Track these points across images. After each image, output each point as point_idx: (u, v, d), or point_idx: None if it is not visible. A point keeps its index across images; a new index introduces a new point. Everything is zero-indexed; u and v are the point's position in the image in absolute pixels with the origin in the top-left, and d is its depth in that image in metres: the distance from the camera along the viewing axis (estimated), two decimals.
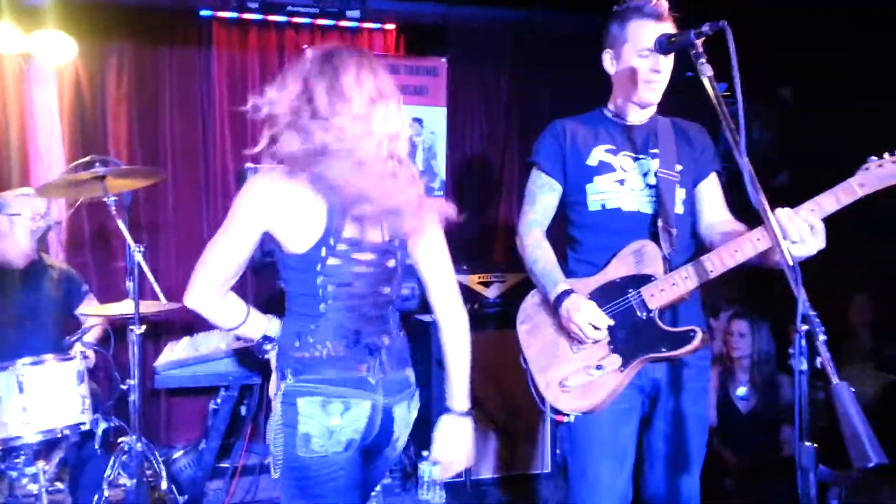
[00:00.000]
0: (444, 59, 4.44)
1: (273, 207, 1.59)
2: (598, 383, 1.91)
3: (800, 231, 1.63)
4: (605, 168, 2.01)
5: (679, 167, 2.00)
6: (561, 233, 2.17)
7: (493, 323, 3.60)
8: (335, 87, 1.56)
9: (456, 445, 1.80)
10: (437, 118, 4.47)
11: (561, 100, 4.63)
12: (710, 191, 2.07)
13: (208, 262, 1.66)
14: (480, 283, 3.65)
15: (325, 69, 1.58)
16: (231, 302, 1.72)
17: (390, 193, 1.59)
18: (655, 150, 2.01)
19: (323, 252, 1.61)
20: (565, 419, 1.95)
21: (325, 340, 1.64)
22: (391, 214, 1.62)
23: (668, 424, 2.01)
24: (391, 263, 1.73)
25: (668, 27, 1.89)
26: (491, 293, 3.65)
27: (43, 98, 3.92)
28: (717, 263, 1.82)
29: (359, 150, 1.55)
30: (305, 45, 4.21)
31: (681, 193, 2.00)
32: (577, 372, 1.93)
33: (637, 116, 2.05)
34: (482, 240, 4.68)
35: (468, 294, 3.61)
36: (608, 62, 2.04)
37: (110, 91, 4.00)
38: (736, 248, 1.80)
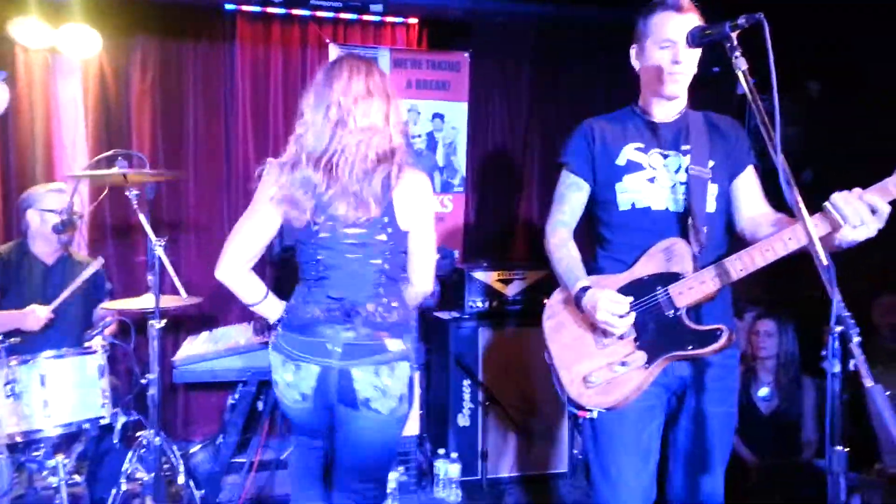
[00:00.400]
0: (466, 54, 4.41)
1: (279, 190, 1.94)
2: (623, 379, 1.91)
3: (859, 213, 1.62)
4: (634, 167, 1.99)
5: (711, 163, 1.96)
6: (589, 230, 2.16)
7: (513, 321, 3.57)
8: (319, 92, 1.95)
9: None
10: (458, 113, 4.44)
11: (583, 95, 4.59)
12: (748, 184, 2.03)
13: (235, 239, 2.02)
14: (500, 280, 3.61)
15: (321, 77, 1.97)
16: (254, 280, 2.11)
17: (354, 181, 1.89)
18: (686, 147, 1.97)
19: (314, 227, 1.95)
20: (587, 415, 1.95)
21: (314, 305, 1.98)
22: (356, 198, 1.89)
23: (694, 423, 1.99)
24: (381, 237, 1.95)
25: (692, 18, 1.85)
26: (511, 291, 3.62)
27: (68, 92, 3.95)
28: (748, 262, 1.80)
29: (333, 144, 1.91)
30: (328, 40, 4.21)
31: (713, 190, 1.96)
32: (601, 368, 1.93)
33: (665, 112, 2.02)
34: (502, 236, 4.65)
35: (488, 291, 3.58)
36: (634, 58, 2.03)
37: (135, 85, 4.02)
38: (767, 248, 1.77)
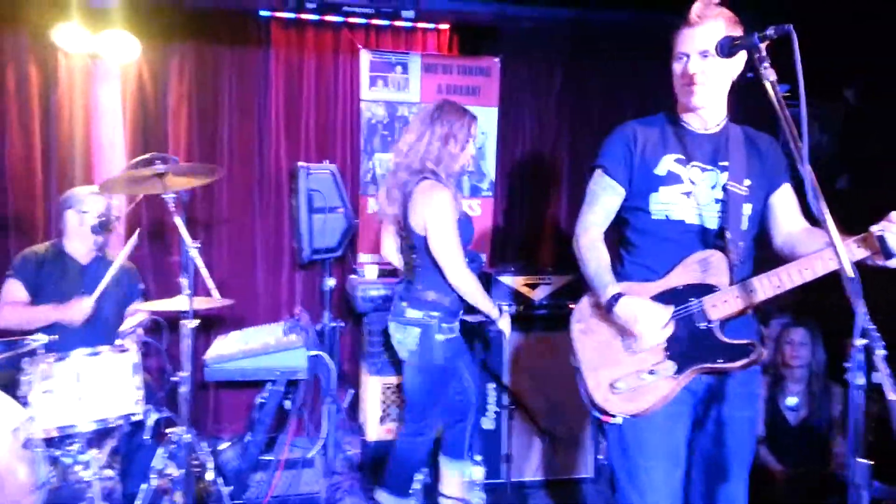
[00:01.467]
0: (496, 59, 4.42)
1: None
2: (650, 388, 1.91)
3: None
4: (672, 179, 1.98)
5: (748, 182, 1.95)
6: (615, 232, 2.14)
7: (540, 325, 3.56)
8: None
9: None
10: (488, 118, 4.44)
11: (614, 100, 4.58)
12: (785, 201, 2.02)
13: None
14: (527, 284, 3.61)
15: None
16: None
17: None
18: (725, 163, 1.96)
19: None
20: (611, 420, 1.95)
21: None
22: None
23: (719, 428, 1.98)
24: (410, 240, 2.76)
25: (707, 28, 1.84)
26: (537, 295, 3.62)
27: (108, 96, 4.05)
28: (786, 280, 1.79)
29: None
30: (360, 45, 4.26)
31: (747, 209, 1.96)
32: (629, 375, 1.93)
33: (700, 122, 2.01)
34: (530, 241, 4.65)
35: (515, 296, 3.59)
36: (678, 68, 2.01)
37: (172, 90, 4.11)
38: (806, 266, 1.76)
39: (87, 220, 3.18)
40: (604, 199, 2.07)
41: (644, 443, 1.96)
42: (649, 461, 1.96)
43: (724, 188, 1.94)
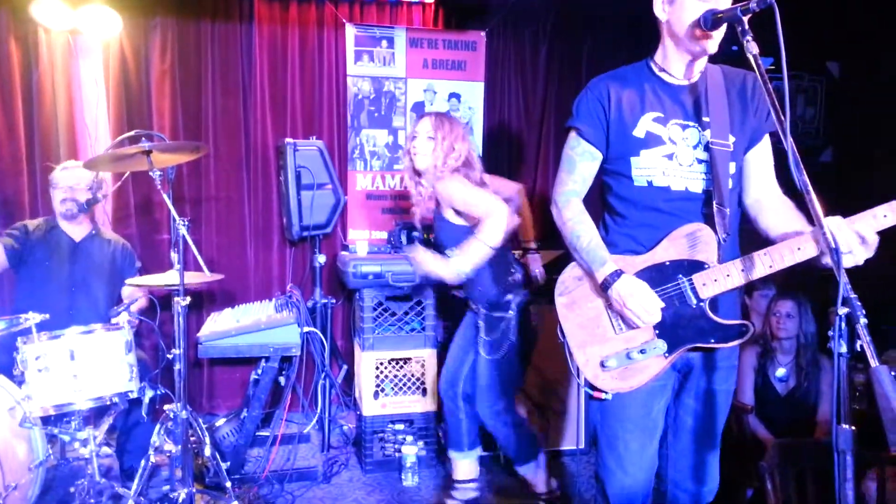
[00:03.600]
0: (482, 34, 4.41)
1: None
2: (640, 366, 1.90)
3: (848, 242, 1.59)
4: (653, 141, 1.89)
5: (732, 138, 1.88)
6: (599, 195, 2.08)
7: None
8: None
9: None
10: (474, 93, 4.45)
11: (600, 73, 4.57)
12: (761, 159, 1.95)
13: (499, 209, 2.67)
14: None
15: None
16: None
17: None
18: (707, 119, 1.87)
19: None
20: (603, 396, 1.93)
21: None
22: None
23: (697, 401, 2.02)
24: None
25: None
26: None
27: (89, 72, 4.00)
28: (778, 260, 1.76)
29: None
30: (345, 20, 4.22)
31: (731, 167, 1.89)
32: (618, 352, 1.91)
33: (688, 71, 1.89)
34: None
35: None
36: (659, 7, 1.87)
37: (154, 65, 4.05)
38: (799, 246, 1.73)
39: (56, 195, 3.18)
40: (581, 166, 2.00)
41: (624, 415, 1.98)
42: (627, 432, 1.98)
43: (707, 147, 1.87)
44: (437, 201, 2.87)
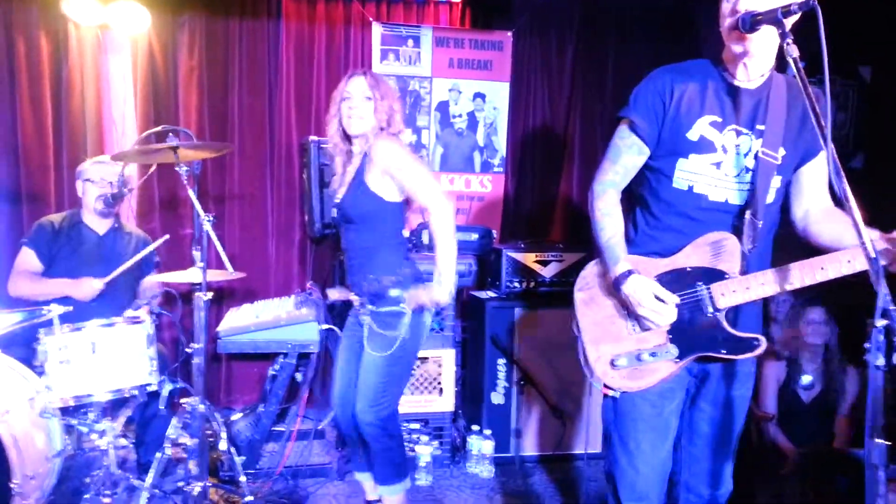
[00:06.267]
0: (509, 34, 4.38)
1: None
2: (650, 368, 1.90)
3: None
4: (705, 146, 1.84)
5: (782, 152, 1.82)
6: (633, 186, 2.02)
7: (549, 302, 3.57)
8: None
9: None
10: (499, 93, 4.43)
11: (626, 76, 4.52)
12: (816, 174, 1.90)
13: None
14: (537, 261, 3.62)
15: None
16: None
17: None
18: (761, 127, 1.82)
19: None
20: (610, 393, 1.95)
21: None
22: None
23: (714, 406, 2.00)
24: None
25: None
26: (548, 272, 3.62)
27: (118, 68, 4.04)
28: (799, 278, 1.73)
29: None
30: (372, 18, 4.21)
31: (776, 182, 1.85)
32: (629, 353, 1.92)
33: (748, 73, 1.83)
34: (541, 217, 4.64)
35: (525, 272, 3.59)
36: (724, 8, 1.78)
37: (182, 62, 4.08)
38: (822, 265, 1.70)
39: (89, 189, 3.20)
40: (626, 158, 1.95)
41: (636, 415, 1.96)
42: (639, 432, 1.96)
43: (756, 156, 1.82)
44: (361, 167, 2.49)
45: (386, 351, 2.48)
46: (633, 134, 1.93)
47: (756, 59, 1.80)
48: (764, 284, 1.79)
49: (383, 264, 2.50)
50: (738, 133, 1.85)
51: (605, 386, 1.95)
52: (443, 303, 2.45)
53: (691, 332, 1.87)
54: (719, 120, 1.85)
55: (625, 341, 1.94)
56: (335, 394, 2.70)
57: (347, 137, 2.55)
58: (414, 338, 2.53)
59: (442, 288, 2.39)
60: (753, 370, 2.04)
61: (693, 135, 1.85)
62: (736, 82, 1.86)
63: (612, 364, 1.93)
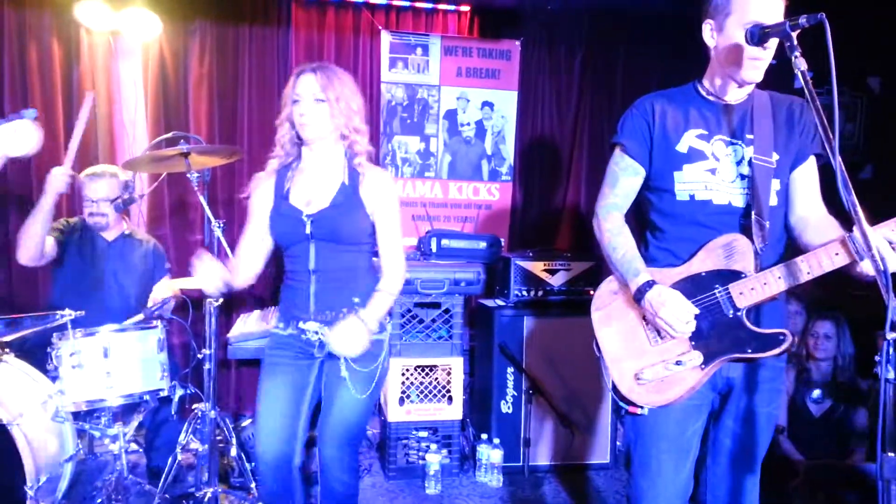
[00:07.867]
0: (517, 42, 4.40)
1: None
2: (676, 378, 1.87)
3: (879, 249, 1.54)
4: (695, 156, 1.89)
5: (776, 156, 1.87)
6: (639, 212, 2.09)
7: (557, 311, 3.58)
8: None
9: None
10: (507, 102, 4.45)
11: (635, 85, 4.54)
12: (807, 178, 1.93)
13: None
14: (545, 270, 3.62)
15: None
16: None
17: None
18: (751, 136, 1.87)
19: None
20: (639, 411, 1.91)
21: None
22: None
23: (738, 423, 1.97)
24: None
25: (779, 2, 1.76)
26: (556, 281, 3.63)
27: (129, 73, 4.07)
28: (815, 266, 1.73)
29: None
30: (381, 26, 4.24)
31: (776, 184, 1.87)
32: (654, 365, 1.89)
33: (734, 95, 1.91)
34: (549, 226, 4.65)
35: (533, 281, 3.61)
36: (708, 34, 1.88)
37: (193, 68, 4.11)
38: (836, 251, 1.70)
39: (85, 209, 3.20)
40: (624, 181, 2.01)
41: (659, 433, 1.94)
42: (662, 452, 1.95)
43: (750, 163, 1.86)
44: (354, 180, 2.22)
45: (369, 388, 2.21)
46: (626, 156, 2.00)
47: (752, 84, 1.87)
48: (781, 278, 1.78)
49: (364, 287, 2.22)
50: (728, 143, 1.90)
51: (632, 404, 1.91)
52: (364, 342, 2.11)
53: (714, 336, 1.85)
54: (705, 132, 1.91)
55: (648, 354, 1.92)
56: (264, 434, 2.25)
57: (300, 140, 2.26)
58: (387, 362, 2.30)
59: (367, 330, 2.11)
60: (780, 388, 2.02)
61: (682, 147, 1.91)
62: (719, 101, 1.93)
63: (637, 378, 1.90)
